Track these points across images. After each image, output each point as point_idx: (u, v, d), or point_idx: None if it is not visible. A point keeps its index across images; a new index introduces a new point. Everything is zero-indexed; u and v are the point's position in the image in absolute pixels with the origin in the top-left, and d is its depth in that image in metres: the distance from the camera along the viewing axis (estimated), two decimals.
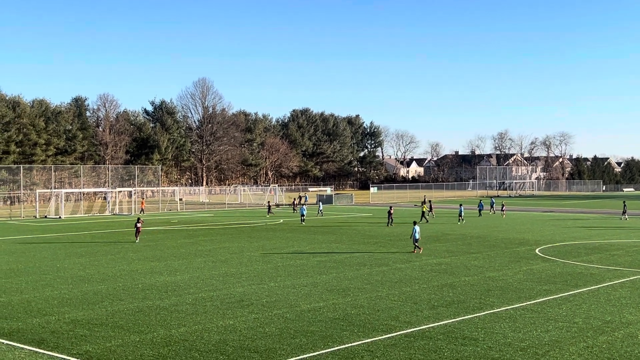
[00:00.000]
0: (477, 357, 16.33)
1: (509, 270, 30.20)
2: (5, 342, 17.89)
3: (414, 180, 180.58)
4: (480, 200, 70.05)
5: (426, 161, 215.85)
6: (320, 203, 71.18)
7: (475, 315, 20.90)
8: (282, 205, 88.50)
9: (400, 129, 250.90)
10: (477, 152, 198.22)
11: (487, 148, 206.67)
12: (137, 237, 42.68)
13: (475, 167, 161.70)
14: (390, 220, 53.60)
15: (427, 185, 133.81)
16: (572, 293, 24.59)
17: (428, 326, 19.40)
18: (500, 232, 48.43)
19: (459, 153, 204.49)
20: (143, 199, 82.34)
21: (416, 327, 19.31)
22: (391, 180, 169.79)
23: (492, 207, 70.34)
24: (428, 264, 31.93)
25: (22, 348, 17.29)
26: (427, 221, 56.54)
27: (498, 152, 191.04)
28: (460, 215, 57.08)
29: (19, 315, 21.12)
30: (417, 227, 36.66)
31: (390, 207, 56.42)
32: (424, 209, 58.76)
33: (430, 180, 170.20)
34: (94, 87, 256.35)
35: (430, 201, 67.97)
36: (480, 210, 66.58)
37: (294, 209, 75.78)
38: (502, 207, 68.08)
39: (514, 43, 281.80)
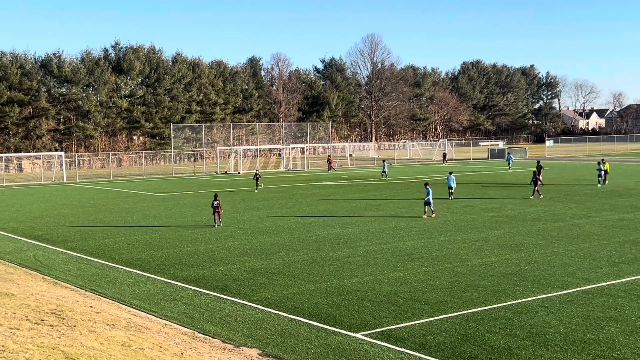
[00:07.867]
0: None
1: None
2: (193, 287, 19.34)
3: (594, 132, 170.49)
4: None
5: (608, 112, 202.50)
6: (385, 163, 60.32)
7: None
8: (452, 159, 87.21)
9: (579, 78, 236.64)
10: None
11: None
12: (215, 219, 31.24)
13: None
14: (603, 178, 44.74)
15: (609, 137, 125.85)
16: None
17: (607, 283, 18.54)
18: None
19: None
20: (330, 155, 79.37)
21: (594, 284, 18.51)
22: (569, 132, 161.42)
23: None
24: (609, 220, 30.29)
25: (208, 294, 18.61)
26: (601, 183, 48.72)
27: None
28: None
29: (204, 263, 22.70)
30: (430, 189, 32.48)
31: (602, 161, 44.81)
32: (607, 167, 50.86)
33: (613, 132, 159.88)
34: (268, 47, 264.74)
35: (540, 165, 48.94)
36: None
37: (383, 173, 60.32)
38: None
39: None
